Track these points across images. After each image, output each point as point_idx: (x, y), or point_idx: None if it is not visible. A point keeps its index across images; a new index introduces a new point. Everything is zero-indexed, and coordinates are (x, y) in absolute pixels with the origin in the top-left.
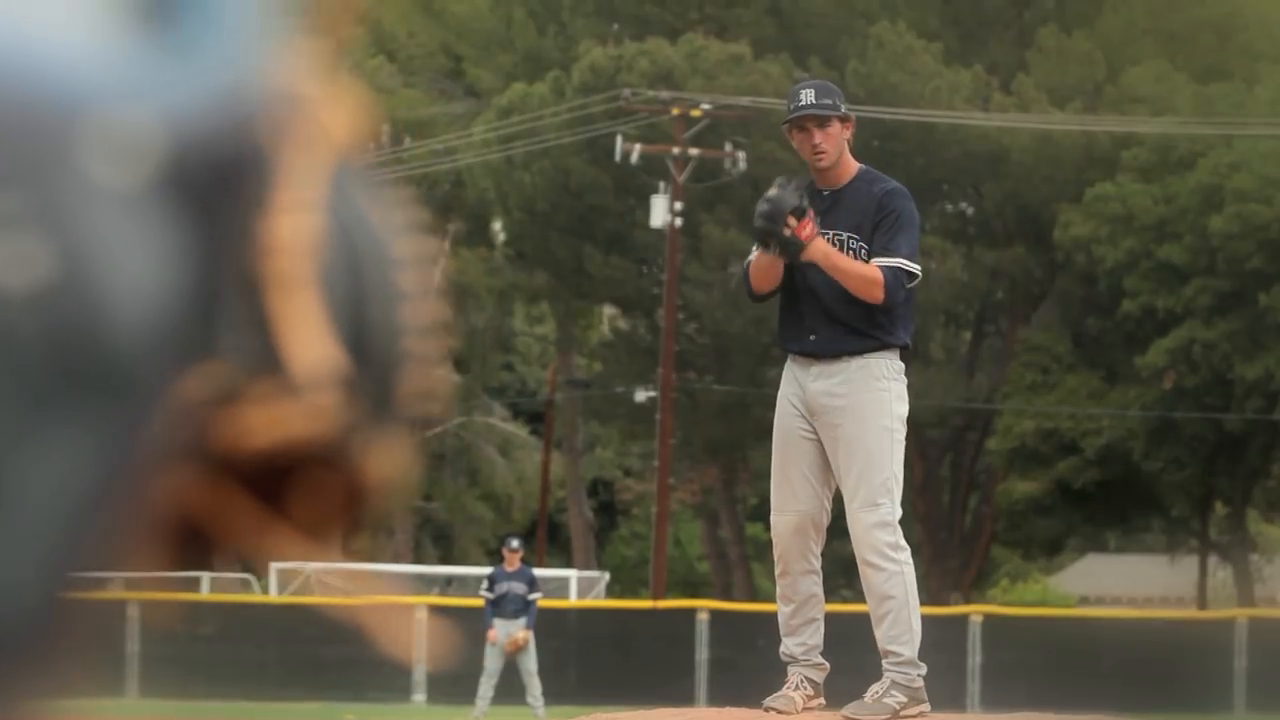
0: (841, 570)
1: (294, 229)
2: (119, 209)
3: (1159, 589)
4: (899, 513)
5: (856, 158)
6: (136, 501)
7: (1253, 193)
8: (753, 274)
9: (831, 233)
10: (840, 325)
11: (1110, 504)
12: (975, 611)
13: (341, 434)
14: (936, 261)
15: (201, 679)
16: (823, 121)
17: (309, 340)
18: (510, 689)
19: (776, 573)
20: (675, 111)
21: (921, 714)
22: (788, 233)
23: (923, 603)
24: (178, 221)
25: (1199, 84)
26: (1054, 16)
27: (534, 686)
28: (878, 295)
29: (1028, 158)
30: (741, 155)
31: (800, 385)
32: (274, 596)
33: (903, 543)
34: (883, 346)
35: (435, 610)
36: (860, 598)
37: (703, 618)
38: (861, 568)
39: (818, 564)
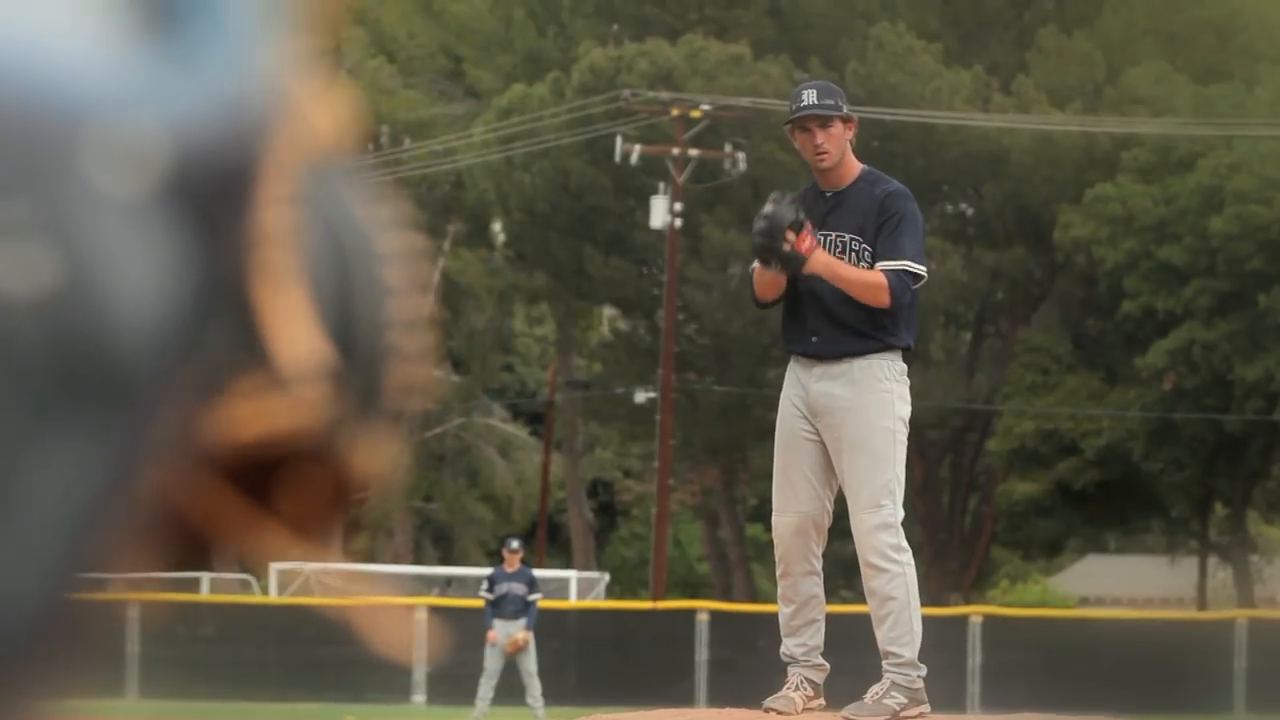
0: (841, 571)
1: (280, 223)
2: (123, 217)
3: (1159, 590)
4: (901, 514)
5: (857, 158)
6: (139, 506)
7: (1253, 194)
8: (755, 284)
9: (834, 234)
10: (842, 327)
11: (1110, 505)
12: (975, 612)
13: (328, 428)
14: (936, 262)
15: (201, 680)
16: (825, 122)
17: (296, 334)
18: (510, 690)
19: (778, 574)
20: (675, 112)
21: (921, 715)
22: (787, 248)
23: (923, 604)
24: (181, 230)
25: (1199, 85)
26: (1054, 17)
27: (534, 687)
28: (883, 300)
29: (1028, 158)
30: (741, 156)
31: (803, 386)
32: (274, 597)
33: (904, 544)
34: (885, 348)
35: (435, 611)
36: (860, 598)
37: (702, 618)
38: (863, 569)
39: (819, 565)
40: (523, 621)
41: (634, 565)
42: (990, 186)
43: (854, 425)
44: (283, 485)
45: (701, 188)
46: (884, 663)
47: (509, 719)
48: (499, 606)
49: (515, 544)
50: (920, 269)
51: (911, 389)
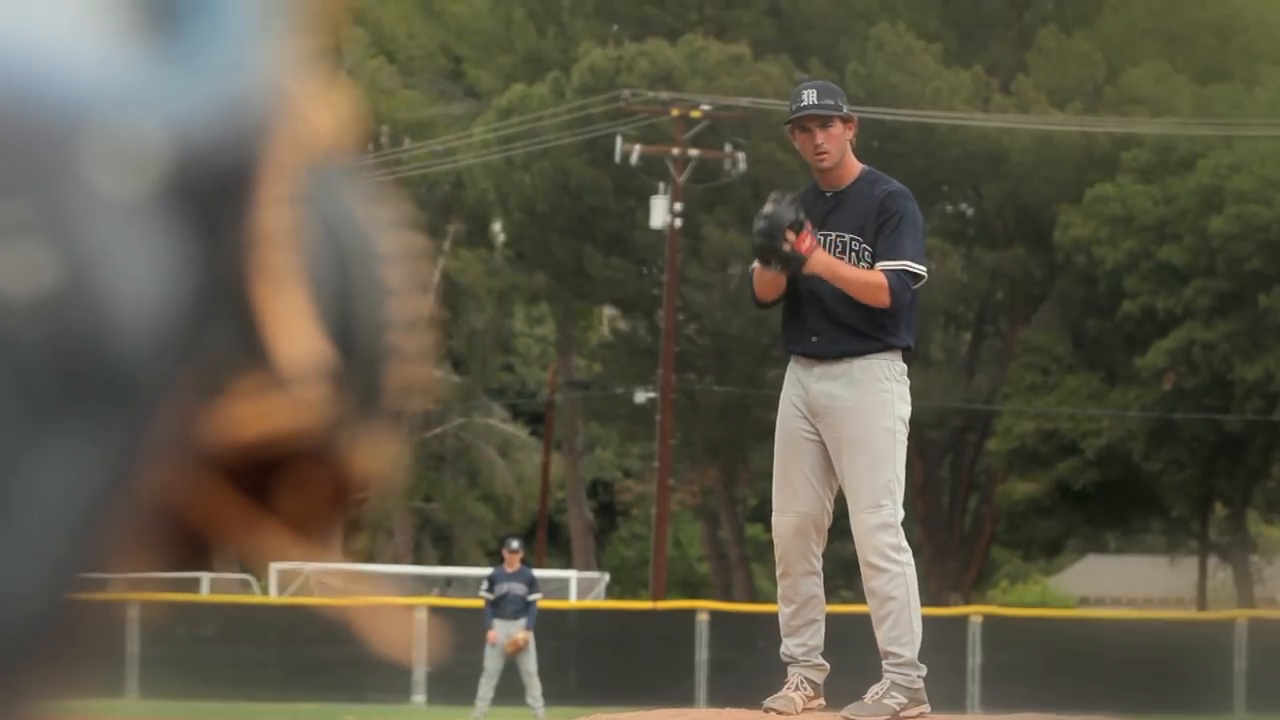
0: (841, 571)
1: (280, 223)
2: (123, 217)
3: (1159, 590)
4: (901, 514)
5: (857, 158)
6: (139, 506)
7: (1253, 194)
8: (755, 284)
9: (834, 234)
10: (842, 327)
11: (1110, 505)
12: (975, 612)
13: (328, 428)
14: (936, 262)
15: (201, 680)
16: (825, 122)
17: (296, 334)
18: (510, 690)
19: (778, 573)
20: (675, 112)
21: (921, 715)
22: (787, 248)
23: (923, 604)
24: (181, 230)
25: (1199, 85)
26: (1054, 17)
27: (534, 687)
28: (883, 300)
29: (1028, 158)
30: (741, 156)
31: (803, 386)
32: (274, 597)
33: (905, 544)
34: (885, 348)
35: (435, 611)
36: (860, 598)
37: (702, 619)
38: (863, 569)
39: (819, 565)
40: (523, 621)
41: (634, 565)
42: (990, 186)
43: (854, 425)
44: (283, 485)
45: (701, 188)
46: (884, 663)
47: (509, 719)
48: (499, 606)
49: (515, 544)
50: (920, 269)
51: (911, 389)
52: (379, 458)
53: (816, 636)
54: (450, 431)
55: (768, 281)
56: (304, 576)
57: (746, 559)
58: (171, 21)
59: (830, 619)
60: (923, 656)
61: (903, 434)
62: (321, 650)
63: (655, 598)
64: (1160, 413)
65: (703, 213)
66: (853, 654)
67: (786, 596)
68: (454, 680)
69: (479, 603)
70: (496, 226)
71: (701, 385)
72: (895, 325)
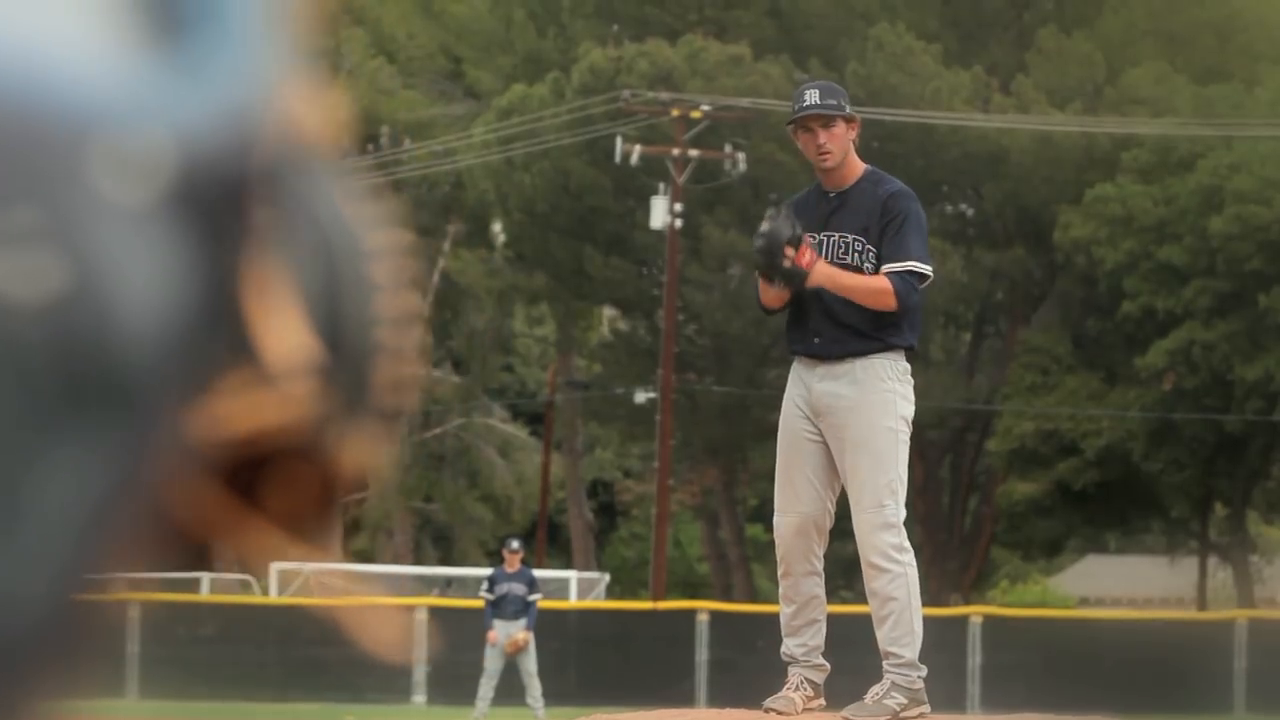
0: (841, 571)
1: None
2: (129, 225)
3: (1159, 590)
4: (903, 514)
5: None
6: (143, 511)
7: (1252, 194)
8: (761, 293)
9: (837, 234)
10: (845, 327)
11: (1110, 505)
12: (975, 612)
13: (316, 425)
14: (936, 263)
15: (201, 680)
16: (827, 122)
17: (284, 330)
18: (510, 690)
19: (779, 573)
20: (675, 113)
21: (921, 715)
22: (788, 264)
23: (923, 604)
24: (186, 237)
25: (1199, 85)
26: (1054, 17)
27: (534, 687)
28: (890, 304)
29: (1027, 159)
30: (741, 156)
31: (805, 386)
32: (274, 597)
33: (906, 544)
34: (888, 348)
35: (435, 611)
36: (860, 599)
37: (703, 619)
38: (865, 569)
39: (820, 565)
40: (523, 622)
41: (634, 565)
42: (990, 187)
43: (856, 425)
44: (270, 483)
45: (701, 188)
46: (884, 663)
47: (509, 719)
48: (499, 607)
49: (515, 544)
50: (926, 269)
51: (914, 389)
52: (367, 455)
53: (817, 637)
54: (450, 432)
55: (773, 291)
56: (304, 577)
57: (746, 559)
58: (178, 30)
59: (830, 619)
60: (922, 657)
61: (905, 434)
62: (321, 651)
63: (655, 598)
64: (1160, 413)
65: (703, 213)
66: (853, 654)
67: (787, 596)
68: (454, 680)
69: (479, 603)
70: (496, 227)
71: (701, 385)
72: (898, 325)
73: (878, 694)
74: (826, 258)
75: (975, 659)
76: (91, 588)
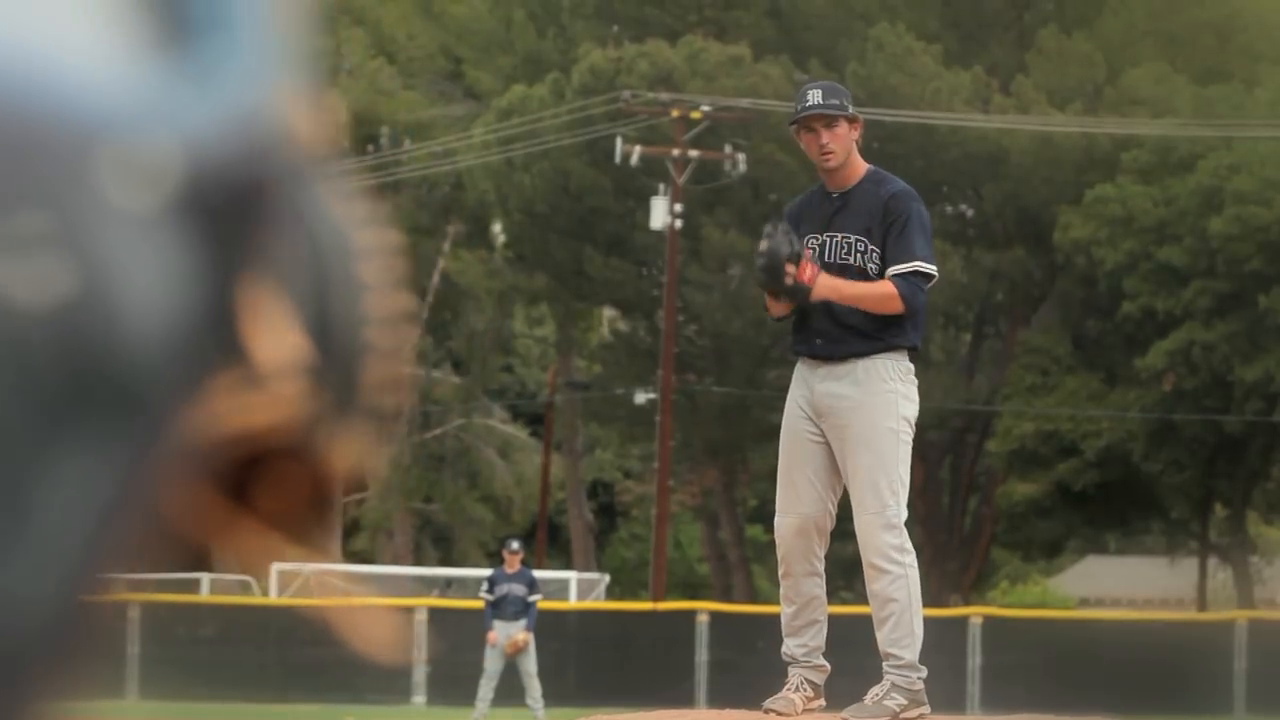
0: (841, 572)
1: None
2: (136, 230)
3: (1159, 591)
4: (905, 515)
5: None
6: (148, 512)
7: (1252, 194)
8: (768, 304)
9: (840, 235)
10: (847, 328)
11: (1110, 506)
12: (975, 613)
13: (306, 425)
14: (936, 264)
15: (201, 681)
16: (830, 122)
17: (273, 330)
18: (510, 691)
19: (780, 574)
20: (675, 113)
21: (921, 716)
22: (790, 282)
23: (924, 605)
24: (192, 243)
25: (1199, 86)
26: (1054, 18)
27: (534, 688)
28: (897, 308)
29: (1027, 159)
30: (741, 157)
31: (808, 387)
32: (274, 598)
33: (908, 545)
34: (890, 348)
35: (435, 612)
36: (860, 600)
37: (702, 620)
38: (866, 570)
39: (821, 566)
40: (523, 622)
41: (634, 566)
42: (990, 187)
43: (858, 425)
44: (261, 483)
45: (701, 189)
46: (884, 664)
47: None
48: (499, 607)
49: (515, 545)
50: (931, 268)
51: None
52: (358, 455)
53: (818, 637)
54: (450, 432)
55: (779, 301)
56: (304, 578)
57: (746, 560)
58: (187, 38)
59: (831, 620)
60: (922, 657)
61: (907, 435)
62: (321, 651)
63: (655, 599)
64: (1160, 414)
65: (703, 214)
66: (853, 655)
67: (788, 597)
68: (454, 681)
69: (479, 604)
70: (496, 227)
71: (701, 386)
72: (901, 325)
73: (878, 695)
74: (829, 258)
75: (975, 660)
76: (96, 590)
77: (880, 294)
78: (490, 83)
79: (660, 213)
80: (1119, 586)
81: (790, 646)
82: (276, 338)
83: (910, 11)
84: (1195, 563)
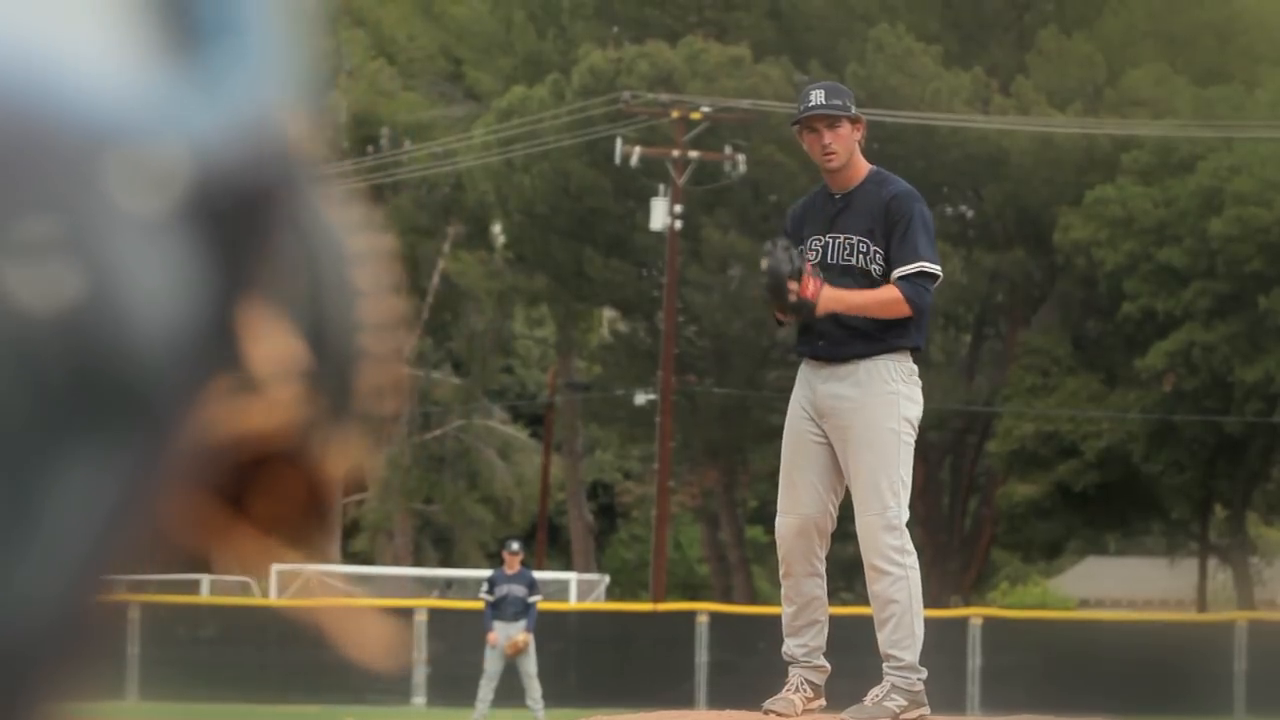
0: (841, 573)
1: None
2: (144, 236)
3: (1159, 592)
4: (906, 516)
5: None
6: (154, 516)
7: (1253, 195)
8: (776, 313)
9: (842, 236)
10: (849, 329)
11: (1110, 507)
12: (975, 614)
13: (301, 429)
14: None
15: (201, 681)
16: (832, 122)
17: (269, 335)
18: (510, 692)
19: (780, 574)
20: (675, 114)
21: (921, 717)
22: (793, 299)
23: (924, 606)
24: (201, 248)
25: (1199, 87)
26: (1054, 19)
27: (534, 689)
28: (904, 311)
29: (1027, 160)
30: (741, 158)
31: (810, 388)
32: (274, 599)
33: (909, 546)
34: (892, 349)
35: (435, 613)
36: (861, 601)
37: (702, 620)
38: (867, 571)
39: (821, 567)
40: (523, 623)
41: (634, 567)
42: (990, 188)
43: (860, 426)
44: (256, 488)
45: (701, 190)
46: (884, 665)
47: None
48: (499, 608)
49: (515, 546)
50: (935, 268)
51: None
52: (351, 459)
53: (818, 638)
54: (450, 433)
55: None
56: (304, 579)
57: (746, 561)
58: (196, 44)
59: (831, 621)
60: (922, 658)
61: (909, 436)
62: (321, 652)
63: (655, 600)
64: (1160, 414)
65: (703, 215)
66: (853, 656)
67: (789, 597)
68: (454, 682)
69: (479, 605)
70: (496, 228)
71: (701, 387)
72: (904, 326)
73: (878, 696)
74: (833, 260)
75: (975, 661)
76: (100, 591)
77: (886, 300)
78: (490, 84)
79: (660, 214)
80: (1119, 587)
81: (791, 646)
82: (273, 343)
83: (910, 12)
84: (1195, 564)
